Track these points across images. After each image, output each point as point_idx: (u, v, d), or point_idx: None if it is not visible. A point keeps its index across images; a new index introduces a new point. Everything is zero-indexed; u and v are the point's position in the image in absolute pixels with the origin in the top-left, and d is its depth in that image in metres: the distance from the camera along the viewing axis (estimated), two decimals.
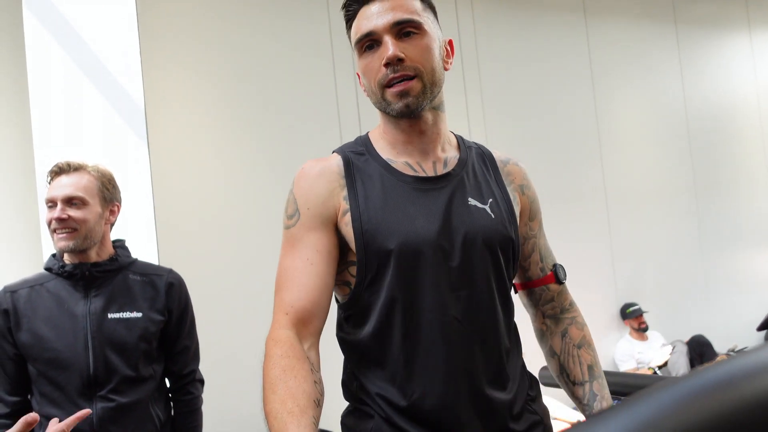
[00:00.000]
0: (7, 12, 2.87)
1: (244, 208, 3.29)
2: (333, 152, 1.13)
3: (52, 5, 2.40)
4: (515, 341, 1.12)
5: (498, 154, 1.18)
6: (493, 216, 1.07)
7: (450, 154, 1.11)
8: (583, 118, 4.59)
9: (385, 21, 1.02)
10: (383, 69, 1.02)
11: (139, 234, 2.32)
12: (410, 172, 1.07)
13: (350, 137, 1.13)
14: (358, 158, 1.09)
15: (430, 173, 1.07)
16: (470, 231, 1.03)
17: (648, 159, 4.91)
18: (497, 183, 1.13)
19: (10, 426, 1.63)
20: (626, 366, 4.29)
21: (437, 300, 1.01)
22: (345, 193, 1.05)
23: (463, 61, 4.07)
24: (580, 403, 1.13)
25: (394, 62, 1.01)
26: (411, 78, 1.02)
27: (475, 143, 1.19)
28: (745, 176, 5.43)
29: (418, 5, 1.06)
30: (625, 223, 4.60)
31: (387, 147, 1.10)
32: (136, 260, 1.77)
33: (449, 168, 1.09)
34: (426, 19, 1.06)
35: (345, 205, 1.04)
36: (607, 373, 1.25)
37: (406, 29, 1.03)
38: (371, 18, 1.03)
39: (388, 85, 1.02)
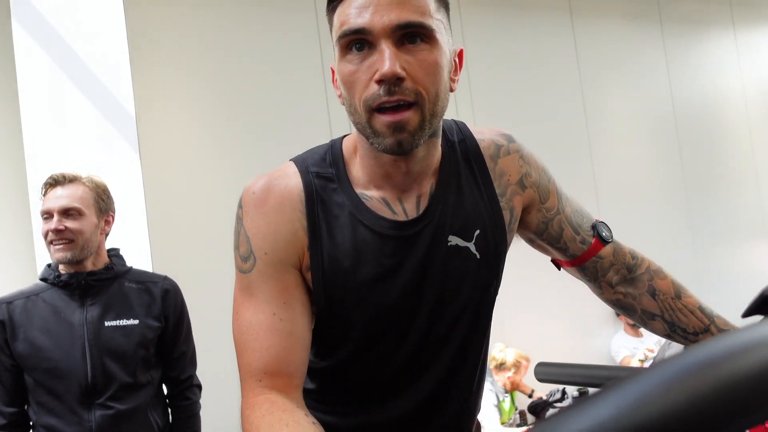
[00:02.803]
0: None
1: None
2: (292, 162, 0.90)
3: (40, 16, 2.40)
4: (479, 399, 1.04)
5: (485, 145, 0.94)
6: (478, 256, 0.91)
7: (433, 179, 0.90)
8: (571, 117, 4.63)
9: (386, 20, 0.75)
10: (374, 86, 0.76)
11: (131, 241, 2.33)
12: (387, 214, 0.86)
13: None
14: (324, 186, 0.87)
15: (411, 213, 0.88)
16: (448, 289, 0.90)
17: (637, 156, 4.95)
18: (488, 198, 0.93)
19: None
20: (621, 355, 4.35)
21: (396, 370, 0.92)
22: (307, 240, 0.85)
23: None
24: None
25: (391, 81, 0.75)
26: (409, 106, 0.77)
27: (461, 134, 0.95)
28: (733, 171, 5.49)
29: (432, 2, 0.80)
30: (615, 220, 4.61)
31: (362, 176, 0.88)
32: (131, 268, 1.79)
33: (431, 195, 0.89)
34: (439, 24, 0.79)
35: (307, 258, 0.85)
36: (581, 366, 1.24)
37: (412, 34, 0.77)
38: (367, 9, 0.76)
39: (378, 108, 0.77)
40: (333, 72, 0.86)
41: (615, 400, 0.28)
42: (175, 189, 3.19)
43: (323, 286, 0.85)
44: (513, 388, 3.58)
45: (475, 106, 4.17)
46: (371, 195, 0.87)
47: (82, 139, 2.41)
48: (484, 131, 0.97)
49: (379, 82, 0.76)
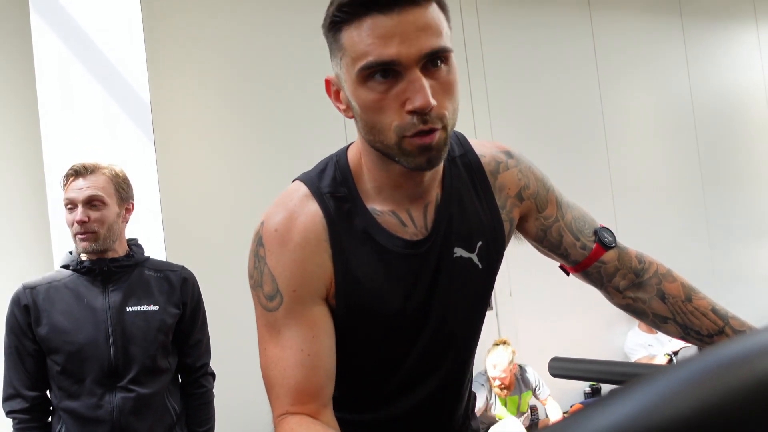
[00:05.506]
0: (14, 13, 2.89)
1: (250, 206, 3.30)
2: (302, 183, 0.90)
3: (59, 6, 2.42)
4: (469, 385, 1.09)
5: (486, 161, 0.97)
6: (480, 266, 0.95)
7: (438, 190, 0.92)
8: (589, 112, 4.59)
9: (415, 50, 0.75)
10: (406, 115, 0.77)
11: (146, 232, 2.34)
12: (398, 230, 0.89)
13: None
14: (340, 208, 0.88)
15: (419, 223, 0.90)
16: (454, 298, 0.94)
17: (654, 153, 4.90)
18: (490, 210, 0.96)
19: (29, 420, 1.67)
20: (637, 356, 4.29)
21: (403, 374, 0.96)
22: (333, 267, 0.86)
23: (468, 59, 4.08)
24: None
25: (426, 113, 0.76)
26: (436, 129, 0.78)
27: (461, 148, 0.97)
28: (752, 168, 5.42)
29: (442, 18, 0.79)
30: (631, 217, 4.61)
31: (371, 189, 0.89)
32: (149, 257, 1.82)
33: (437, 206, 0.92)
34: (450, 42, 0.80)
35: (333, 286, 0.87)
36: (602, 362, 1.25)
37: (435, 59, 0.77)
38: (391, 38, 0.75)
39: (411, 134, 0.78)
40: (328, 83, 0.85)
41: (644, 396, 0.28)
42: (189, 179, 3.21)
43: (346, 309, 0.88)
44: (505, 395, 3.53)
45: (491, 104, 4.15)
46: (382, 210, 0.89)
47: (97, 129, 2.43)
48: (485, 145, 1.00)
49: (412, 112, 0.76)
